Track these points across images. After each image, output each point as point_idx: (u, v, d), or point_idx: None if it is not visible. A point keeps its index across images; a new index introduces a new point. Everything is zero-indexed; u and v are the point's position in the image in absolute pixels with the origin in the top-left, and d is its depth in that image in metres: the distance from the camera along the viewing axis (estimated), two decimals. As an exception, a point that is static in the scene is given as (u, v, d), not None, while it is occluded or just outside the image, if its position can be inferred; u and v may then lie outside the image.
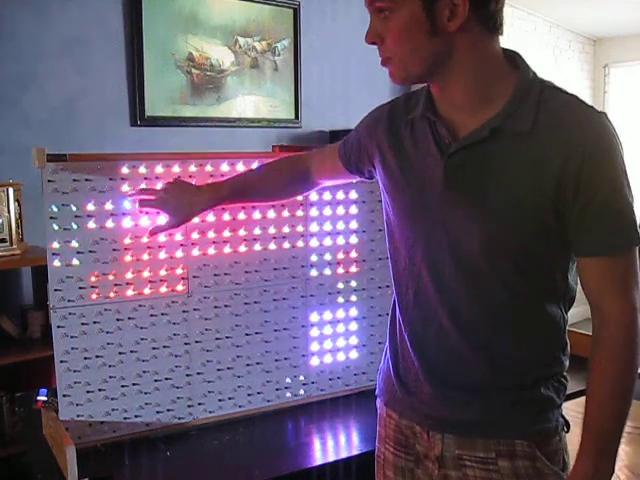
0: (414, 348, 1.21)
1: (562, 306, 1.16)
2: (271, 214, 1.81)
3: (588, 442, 1.10)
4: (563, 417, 1.19)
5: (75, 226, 1.58)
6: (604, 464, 1.09)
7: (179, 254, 1.70)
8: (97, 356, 1.62)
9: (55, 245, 1.56)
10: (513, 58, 1.12)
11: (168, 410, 1.71)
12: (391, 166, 1.22)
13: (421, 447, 1.23)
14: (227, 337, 1.77)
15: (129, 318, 1.65)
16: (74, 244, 1.58)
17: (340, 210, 1.90)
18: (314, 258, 1.87)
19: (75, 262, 1.58)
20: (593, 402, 1.10)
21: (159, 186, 1.58)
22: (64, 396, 1.59)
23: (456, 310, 1.14)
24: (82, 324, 1.60)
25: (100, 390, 1.63)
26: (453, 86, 1.09)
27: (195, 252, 1.72)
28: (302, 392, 1.90)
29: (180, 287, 1.71)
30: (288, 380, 1.86)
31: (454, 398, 1.17)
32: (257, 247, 1.80)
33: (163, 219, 1.58)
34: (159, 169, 1.66)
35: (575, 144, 1.02)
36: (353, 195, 1.91)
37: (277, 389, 1.85)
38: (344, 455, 1.64)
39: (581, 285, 1.11)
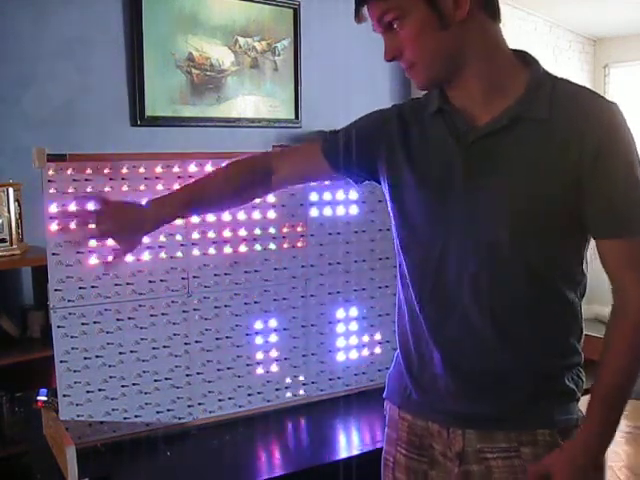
0: (434, 341, 1.20)
1: (578, 294, 1.18)
2: (271, 214, 1.81)
3: (594, 409, 1.12)
4: (581, 412, 1.20)
5: (75, 226, 1.58)
6: (606, 432, 1.12)
7: (179, 254, 1.70)
8: (97, 356, 1.62)
9: (55, 245, 1.56)
10: (523, 55, 1.16)
11: (168, 410, 1.71)
12: (405, 166, 1.22)
13: (439, 446, 1.22)
14: (227, 337, 1.77)
15: (129, 318, 1.65)
16: (74, 244, 1.57)
17: (340, 210, 1.90)
18: (314, 258, 1.87)
19: (75, 262, 1.58)
20: (604, 374, 1.12)
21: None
22: (64, 396, 1.59)
23: (479, 298, 1.14)
24: (82, 324, 1.60)
25: (100, 390, 1.63)
26: (470, 78, 1.12)
27: (195, 252, 1.72)
28: (302, 392, 1.90)
29: (180, 287, 1.71)
30: (288, 380, 1.87)
31: (476, 390, 1.17)
32: (257, 247, 1.80)
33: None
34: (159, 169, 1.67)
35: (591, 132, 1.07)
36: (353, 195, 1.91)
37: (277, 389, 1.85)
38: (344, 455, 1.65)
39: (602, 265, 1.14)
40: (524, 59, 1.15)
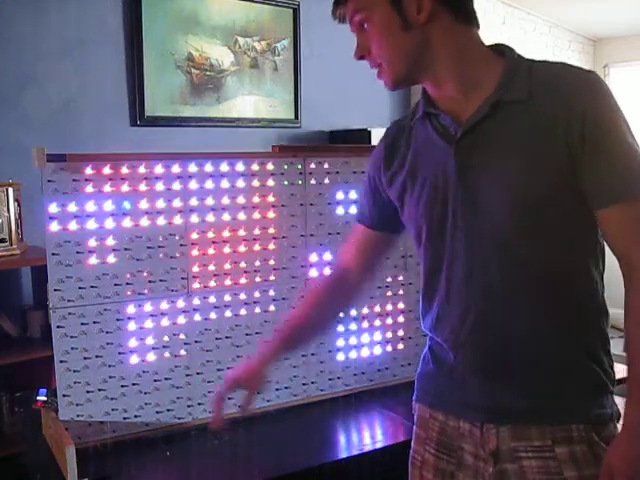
0: (457, 340, 1.19)
1: (597, 271, 1.16)
2: (271, 214, 1.81)
3: (635, 391, 1.10)
4: (616, 405, 1.18)
5: (75, 226, 1.58)
6: None
7: (179, 254, 1.70)
8: (97, 356, 1.62)
9: (55, 245, 1.56)
10: (498, 48, 1.18)
11: (168, 410, 1.71)
12: (402, 179, 1.24)
13: (469, 446, 1.20)
14: (227, 337, 1.77)
15: (129, 318, 1.65)
16: (73, 244, 1.58)
17: (340, 210, 1.90)
18: (314, 258, 1.88)
19: (75, 262, 1.58)
20: (635, 351, 1.10)
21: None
22: (64, 396, 1.59)
23: (493, 293, 1.14)
24: (82, 324, 1.60)
25: (100, 390, 1.63)
26: (443, 77, 1.15)
27: (195, 252, 1.72)
28: (302, 392, 1.90)
29: (180, 287, 1.71)
30: (288, 380, 1.86)
31: (507, 382, 1.16)
32: (257, 247, 1.80)
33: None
34: (159, 169, 1.67)
35: (575, 102, 1.08)
36: (353, 195, 1.91)
37: (277, 389, 1.85)
38: (344, 455, 1.65)
39: (605, 241, 1.13)
40: (499, 50, 1.17)
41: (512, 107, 1.11)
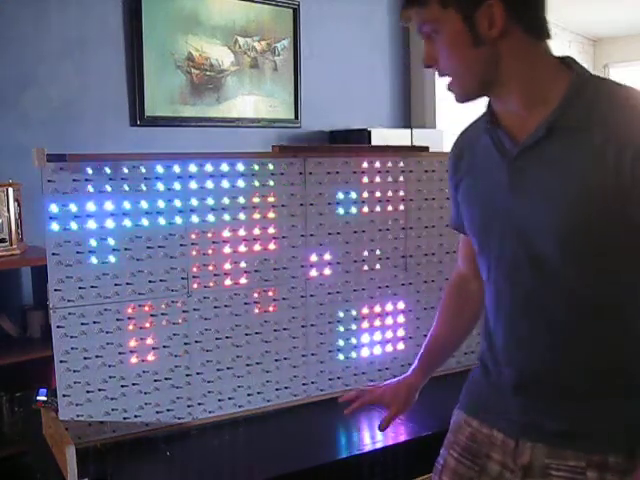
0: (504, 356, 1.20)
1: None
2: (271, 214, 1.81)
3: None
4: None
5: (75, 226, 1.58)
6: None
7: (179, 254, 1.70)
8: (97, 356, 1.62)
9: (55, 245, 1.56)
10: (568, 62, 1.15)
11: (168, 410, 1.71)
12: (464, 190, 1.26)
13: (498, 455, 1.20)
14: (227, 337, 1.77)
15: (129, 318, 1.65)
16: (74, 244, 1.58)
17: (340, 210, 1.90)
18: (314, 258, 1.88)
19: (75, 262, 1.58)
20: None
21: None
22: (64, 396, 1.59)
23: (537, 312, 1.14)
24: (82, 324, 1.60)
25: (100, 390, 1.63)
26: (509, 93, 1.13)
27: (195, 252, 1.72)
28: (302, 392, 1.90)
29: (180, 287, 1.71)
30: (288, 380, 1.86)
31: (548, 405, 1.16)
32: (257, 247, 1.80)
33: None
34: (159, 169, 1.67)
35: (628, 133, 1.04)
36: (353, 195, 1.91)
37: (277, 389, 1.85)
38: (344, 455, 1.65)
39: None
40: (568, 65, 1.13)
41: (568, 131, 1.08)
